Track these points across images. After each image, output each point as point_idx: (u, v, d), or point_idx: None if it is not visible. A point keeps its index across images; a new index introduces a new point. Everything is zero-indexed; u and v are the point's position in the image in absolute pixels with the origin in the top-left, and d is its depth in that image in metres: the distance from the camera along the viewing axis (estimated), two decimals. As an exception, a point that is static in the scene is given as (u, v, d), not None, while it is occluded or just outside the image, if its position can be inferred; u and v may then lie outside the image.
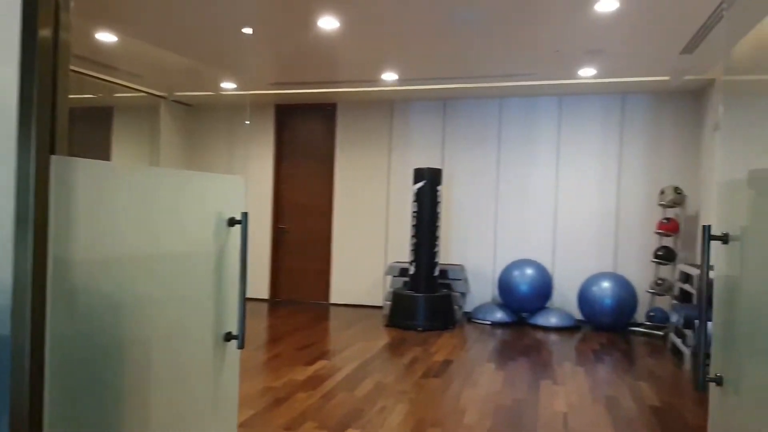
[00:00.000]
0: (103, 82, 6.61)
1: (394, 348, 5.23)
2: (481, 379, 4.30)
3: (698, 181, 6.17)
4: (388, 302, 6.78)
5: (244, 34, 4.90)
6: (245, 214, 1.89)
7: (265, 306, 7.28)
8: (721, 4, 3.80)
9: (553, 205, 6.72)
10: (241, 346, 1.97)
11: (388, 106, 7.30)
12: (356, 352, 5.05)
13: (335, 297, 7.50)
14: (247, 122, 7.74)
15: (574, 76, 5.90)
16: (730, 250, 1.60)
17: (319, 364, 4.60)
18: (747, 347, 1.53)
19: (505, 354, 5.07)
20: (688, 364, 4.64)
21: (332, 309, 7.17)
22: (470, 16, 4.26)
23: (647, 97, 6.43)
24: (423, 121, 7.19)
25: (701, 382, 1.63)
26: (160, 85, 7.21)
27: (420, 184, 6.22)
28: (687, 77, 5.67)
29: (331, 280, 7.51)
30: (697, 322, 3.58)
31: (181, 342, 1.44)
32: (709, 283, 1.63)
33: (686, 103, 6.31)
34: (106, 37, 5.12)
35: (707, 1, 3.81)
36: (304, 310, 7.07)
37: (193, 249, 1.48)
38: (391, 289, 6.78)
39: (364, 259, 7.39)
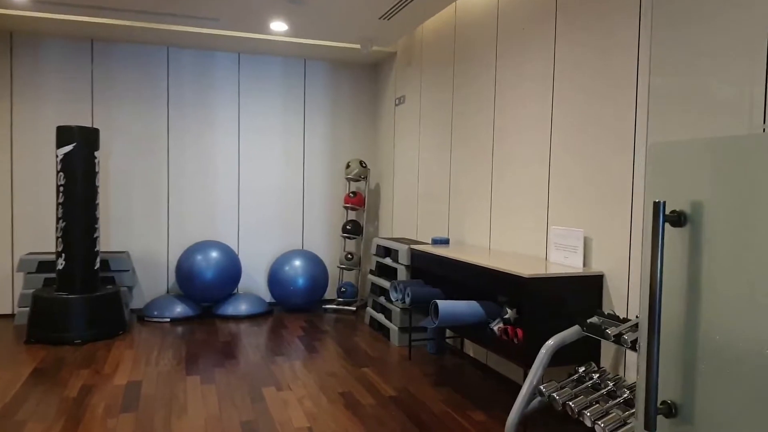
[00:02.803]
0: None
1: (49, 374, 3.77)
2: (190, 401, 3.36)
3: (378, 155, 6.28)
4: (25, 309, 5.03)
5: None
6: None
7: None
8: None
9: (236, 177, 5.96)
10: None
11: (6, 38, 5.31)
12: (-13, 393, 3.44)
13: (-72, 309, 5.23)
14: None
15: (264, 30, 5.22)
16: (683, 235, 1.23)
17: (-77, 429, 2.93)
18: (712, 364, 1.19)
19: (205, 359, 4.18)
20: (395, 340, 4.59)
21: (-75, 328, 4.95)
22: None
23: (328, 65, 6.20)
24: (62, 64, 5.47)
25: (653, 417, 1.23)
26: None
27: (67, 149, 4.67)
28: (375, 48, 5.61)
29: None
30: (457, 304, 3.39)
31: None
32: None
33: (366, 75, 6.32)
34: None
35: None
36: None
37: None
38: (29, 291, 5.04)
39: (-23, 253, 5.33)
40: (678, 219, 1.23)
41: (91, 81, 5.55)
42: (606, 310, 2.87)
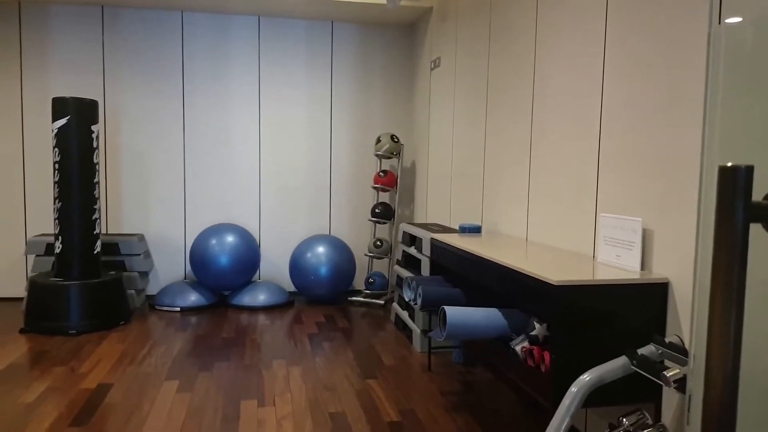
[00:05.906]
0: None
1: (27, 369, 3.38)
2: (152, 415, 2.83)
3: (413, 128, 5.54)
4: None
5: None
6: None
7: None
8: None
9: (256, 154, 5.42)
10: None
11: (14, 8, 4.97)
12: (-57, 394, 3.06)
13: (-59, 291, 5.05)
14: None
15: (278, -14, 4.59)
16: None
17: None
18: None
19: (195, 359, 3.67)
20: (417, 344, 3.91)
21: (-67, 311, 4.76)
22: None
23: (358, 27, 5.49)
24: (71, 33, 5.08)
25: None
26: None
27: (61, 122, 4.26)
28: (404, 2, 4.85)
29: (-67, 267, 5.02)
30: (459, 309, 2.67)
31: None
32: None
33: (400, 36, 5.57)
34: None
35: None
36: None
37: None
38: (33, 275, 4.73)
39: (-11, 233, 5.09)
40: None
41: (102, 50, 5.14)
42: (669, 336, 2.06)
